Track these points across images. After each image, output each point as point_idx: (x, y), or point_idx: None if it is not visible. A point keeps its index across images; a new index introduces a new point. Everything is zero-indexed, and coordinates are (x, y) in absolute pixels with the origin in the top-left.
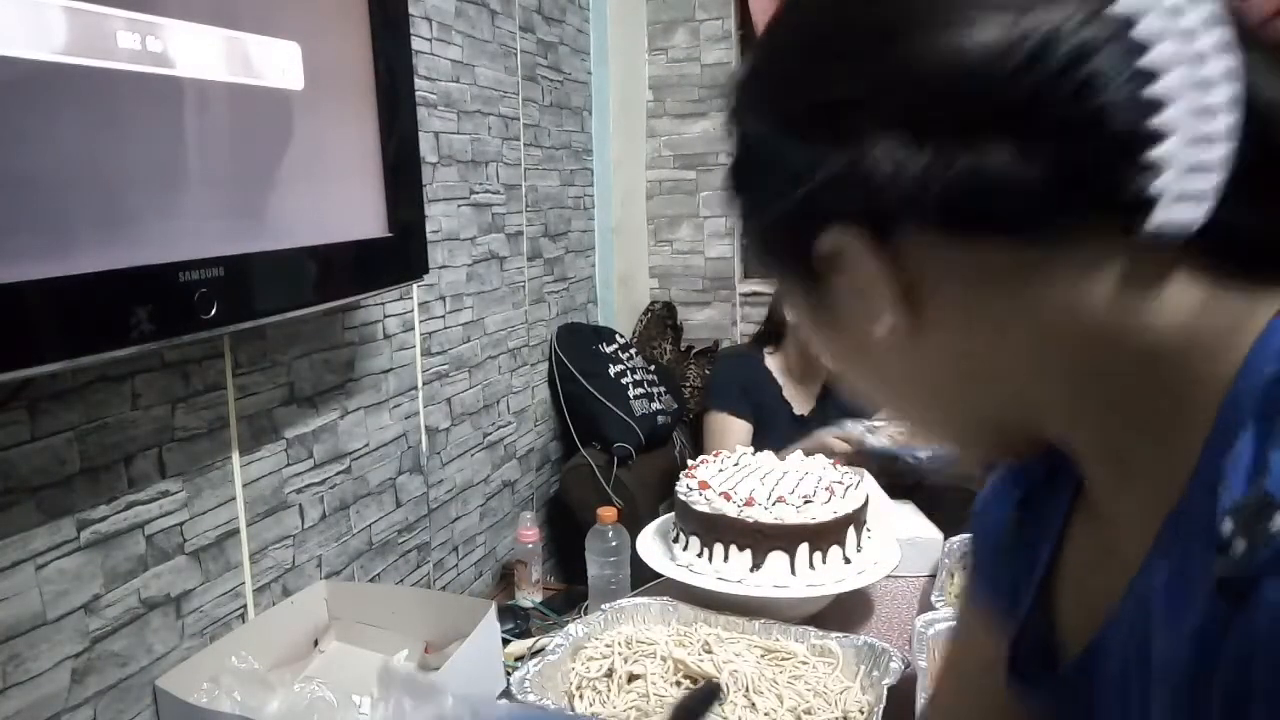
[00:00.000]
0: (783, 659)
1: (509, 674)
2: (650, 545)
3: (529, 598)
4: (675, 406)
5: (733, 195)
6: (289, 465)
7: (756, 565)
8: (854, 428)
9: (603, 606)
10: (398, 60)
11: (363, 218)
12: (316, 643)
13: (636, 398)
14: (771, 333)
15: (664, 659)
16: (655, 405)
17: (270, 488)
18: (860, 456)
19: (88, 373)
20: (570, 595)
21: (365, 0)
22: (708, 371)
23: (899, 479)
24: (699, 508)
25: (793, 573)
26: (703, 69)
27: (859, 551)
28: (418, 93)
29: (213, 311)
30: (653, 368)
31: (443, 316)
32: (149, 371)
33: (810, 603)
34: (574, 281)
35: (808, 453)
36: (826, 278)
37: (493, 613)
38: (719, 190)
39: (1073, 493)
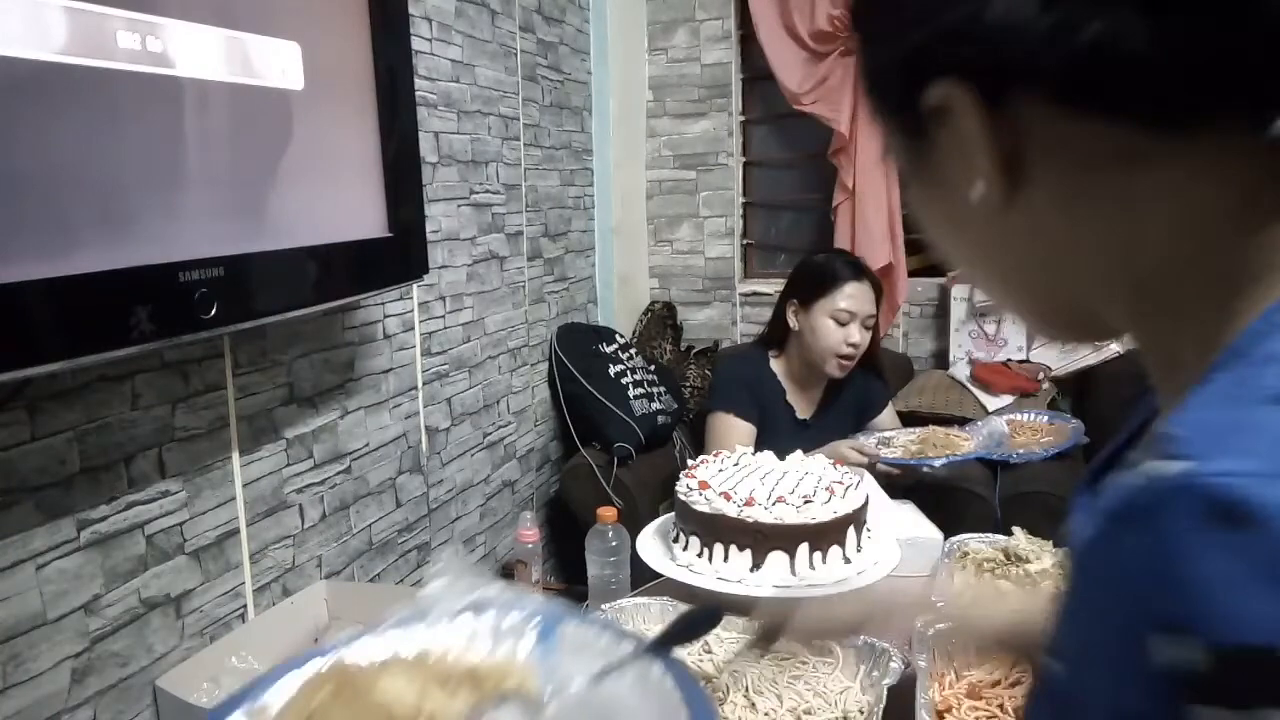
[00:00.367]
0: (782, 659)
1: None
2: (650, 545)
3: None
4: (675, 406)
5: (854, 25)
6: (289, 465)
7: (756, 565)
8: (867, 440)
9: (603, 606)
10: (398, 60)
11: (363, 218)
12: (316, 642)
13: (636, 398)
14: (775, 337)
15: None
16: (655, 405)
17: (270, 488)
18: (873, 469)
19: (88, 373)
20: (570, 595)
21: (365, 0)
22: (708, 371)
23: (899, 479)
24: (699, 508)
25: (793, 573)
26: (703, 69)
27: (859, 551)
28: (418, 93)
29: (213, 311)
30: (653, 368)
31: (443, 316)
32: (149, 371)
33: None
34: (574, 281)
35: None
36: (930, 131)
37: None
38: (718, 190)
39: None
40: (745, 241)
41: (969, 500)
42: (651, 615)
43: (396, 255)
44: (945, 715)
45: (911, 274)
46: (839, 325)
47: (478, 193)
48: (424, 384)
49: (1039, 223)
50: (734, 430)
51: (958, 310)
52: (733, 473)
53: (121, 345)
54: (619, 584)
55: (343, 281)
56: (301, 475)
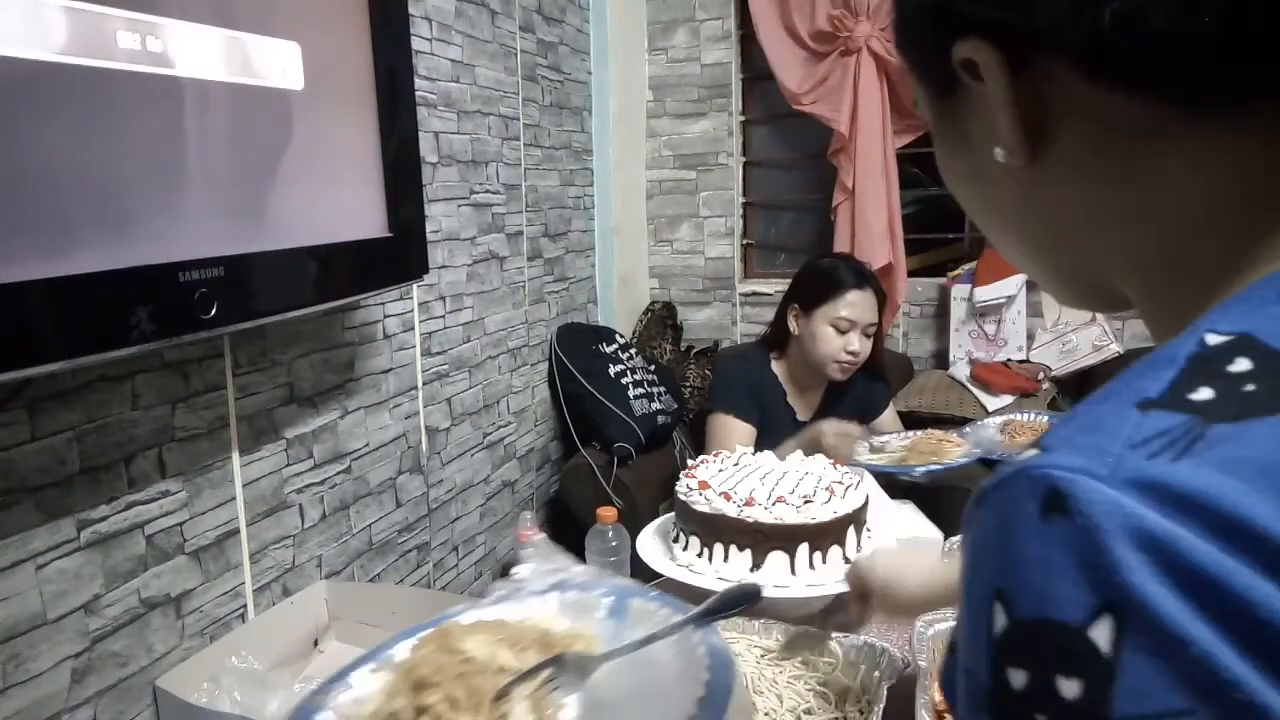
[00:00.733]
0: (782, 659)
1: None
2: (650, 545)
3: None
4: (675, 406)
5: None
6: (289, 465)
7: (756, 565)
8: (850, 427)
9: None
10: (398, 60)
11: (363, 218)
12: (316, 643)
13: (636, 398)
14: (776, 339)
15: None
16: (655, 405)
17: (270, 488)
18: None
19: (88, 373)
20: None
21: (365, 0)
22: (708, 372)
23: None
24: (699, 508)
25: (793, 573)
26: (703, 69)
27: (859, 551)
28: (418, 93)
29: (213, 311)
30: (653, 368)
31: (443, 316)
32: (149, 371)
33: (810, 603)
34: (574, 281)
35: (806, 450)
36: (957, 88)
37: None
38: (718, 190)
39: None
40: (745, 241)
41: (969, 500)
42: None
43: (396, 255)
44: (945, 715)
45: (911, 274)
46: (839, 333)
47: (478, 193)
48: (424, 384)
49: (1059, 188)
50: (734, 431)
51: (958, 310)
52: (733, 473)
53: (121, 345)
54: None
55: (343, 281)
56: (301, 475)
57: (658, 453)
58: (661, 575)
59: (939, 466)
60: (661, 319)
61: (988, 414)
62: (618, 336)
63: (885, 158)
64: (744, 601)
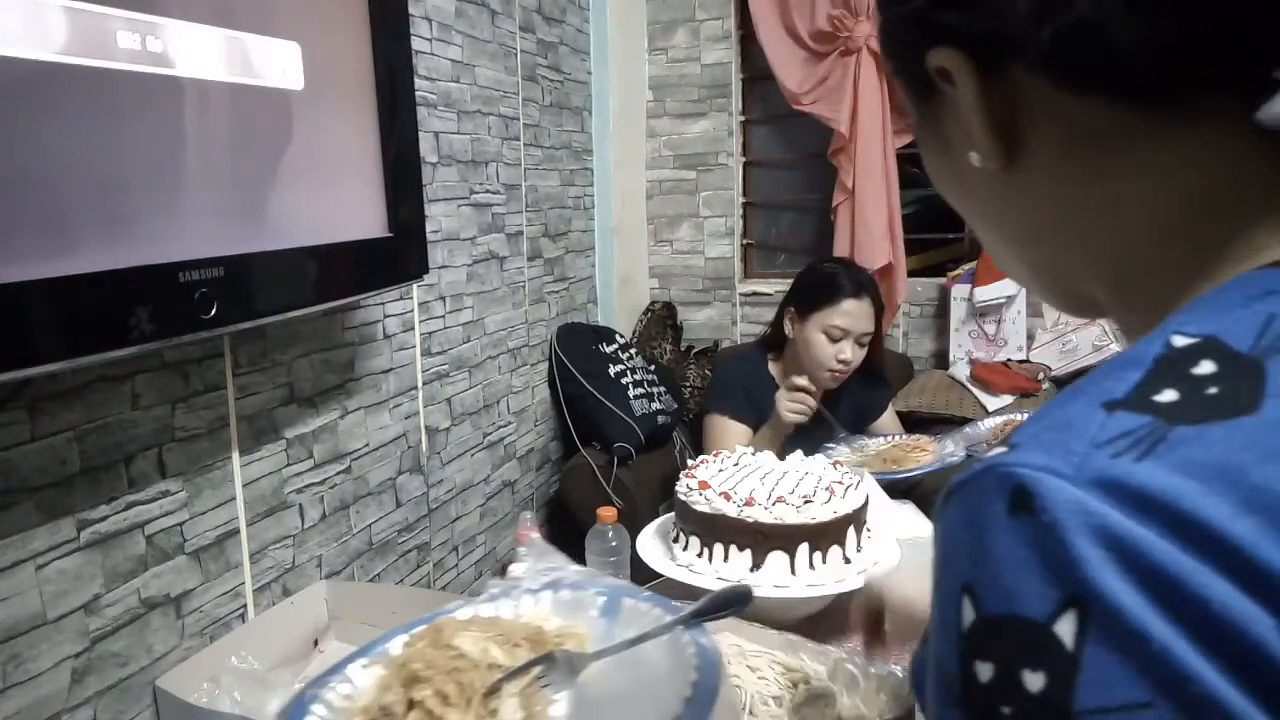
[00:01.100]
0: (794, 684)
1: None
2: (650, 545)
3: None
4: (675, 406)
5: None
6: (289, 465)
7: (756, 565)
8: (800, 380)
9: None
10: (398, 60)
11: (363, 218)
12: (316, 643)
13: (636, 398)
14: (774, 340)
15: None
16: (655, 405)
17: (270, 488)
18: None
19: (88, 373)
20: None
21: (365, 0)
22: (708, 372)
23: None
24: (699, 508)
25: (793, 573)
26: (703, 69)
27: (859, 551)
28: (418, 93)
29: (213, 311)
30: (653, 368)
31: (443, 316)
32: (149, 371)
33: (810, 603)
34: (574, 281)
35: (775, 430)
36: (935, 94)
37: None
38: (718, 190)
39: None
40: (745, 241)
41: (940, 496)
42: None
43: (396, 255)
44: None
45: (911, 274)
46: (831, 341)
47: (478, 193)
48: (424, 384)
49: (1033, 191)
50: (731, 432)
51: (958, 310)
52: (733, 473)
53: (121, 345)
54: None
55: (343, 281)
56: (301, 475)
57: (658, 453)
58: (661, 575)
59: (899, 474)
60: (661, 319)
61: (988, 414)
62: (618, 336)
63: (885, 158)
64: (735, 603)
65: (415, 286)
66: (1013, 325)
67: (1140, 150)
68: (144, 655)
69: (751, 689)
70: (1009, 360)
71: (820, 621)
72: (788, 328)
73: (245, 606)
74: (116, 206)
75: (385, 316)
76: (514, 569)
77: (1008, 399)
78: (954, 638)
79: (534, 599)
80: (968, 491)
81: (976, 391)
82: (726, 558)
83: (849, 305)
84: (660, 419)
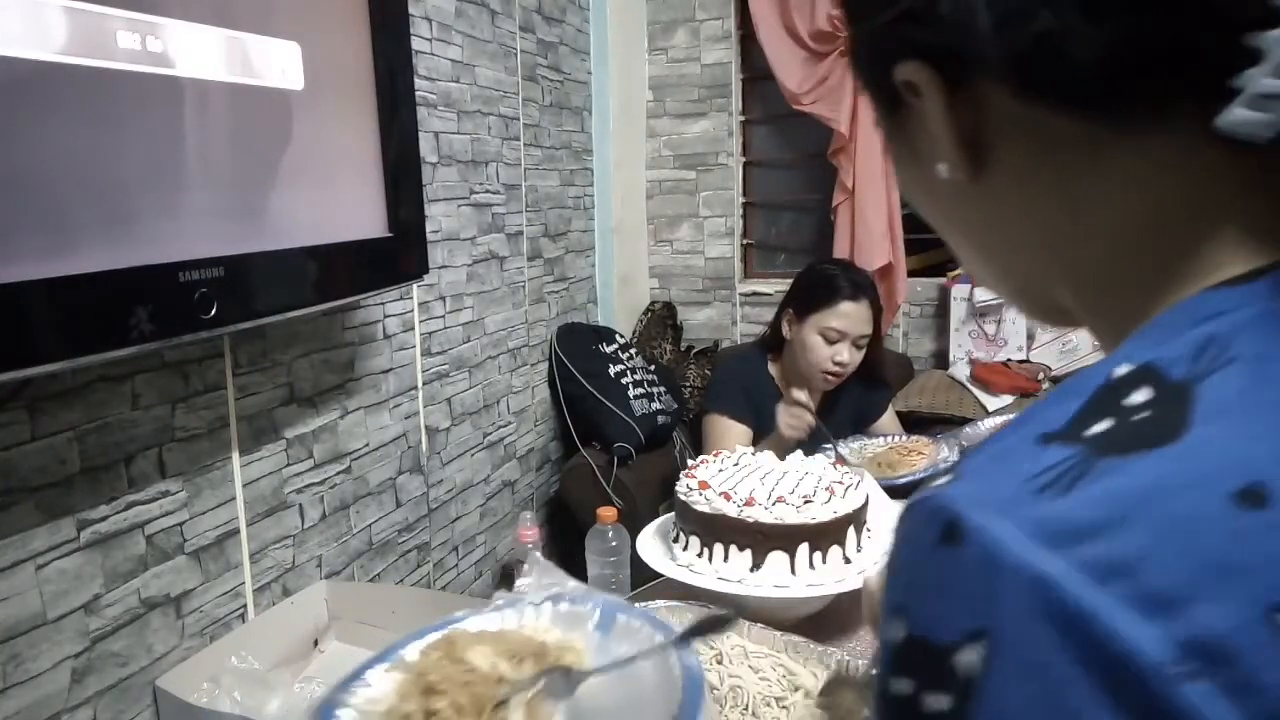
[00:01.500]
0: (795, 687)
1: None
2: (650, 545)
3: None
4: (675, 406)
5: (841, 3)
6: (289, 465)
7: (756, 565)
8: (800, 394)
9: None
10: (398, 60)
11: (363, 218)
12: (316, 643)
13: (636, 398)
14: (773, 341)
15: None
16: (655, 405)
17: (270, 488)
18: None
19: (88, 373)
20: None
21: (365, 0)
22: (708, 371)
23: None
24: (699, 508)
25: (793, 573)
26: (703, 69)
27: (859, 551)
28: (418, 93)
29: (213, 311)
30: (653, 368)
31: (443, 316)
32: (149, 371)
33: (810, 603)
34: (574, 281)
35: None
36: (903, 108)
37: None
38: (718, 190)
39: None
40: (745, 241)
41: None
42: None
43: (396, 255)
44: None
45: (911, 274)
46: (827, 343)
47: (478, 193)
48: (424, 384)
49: (1000, 203)
50: (730, 432)
51: (958, 310)
52: (733, 473)
53: (121, 345)
54: (619, 584)
55: (343, 281)
56: (301, 475)
57: (658, 453)
58: (661, 575)
59: (884, 482)
60: (661, 319)
61: (988, 414)
62: (618, 336)
63: (885, 158)
64: (719, 627)
65: (415, 286)
66: (1013, 325)
67: (1103, 161)
68: (144, 655)
69: (753, 690)
70: (1009, 360)
71: (821, 621)
72: (785, 329)
73: (245, 606)
74: (116, 206)
75: (385, 316)
76: (519, 583)
77: (1008, 399)
78: (886, 653)
79: (535, 611)
80: (914, 514)
81: (976, 391)
82: (726, 558)
83: (846, 307)
84: (660, 419)
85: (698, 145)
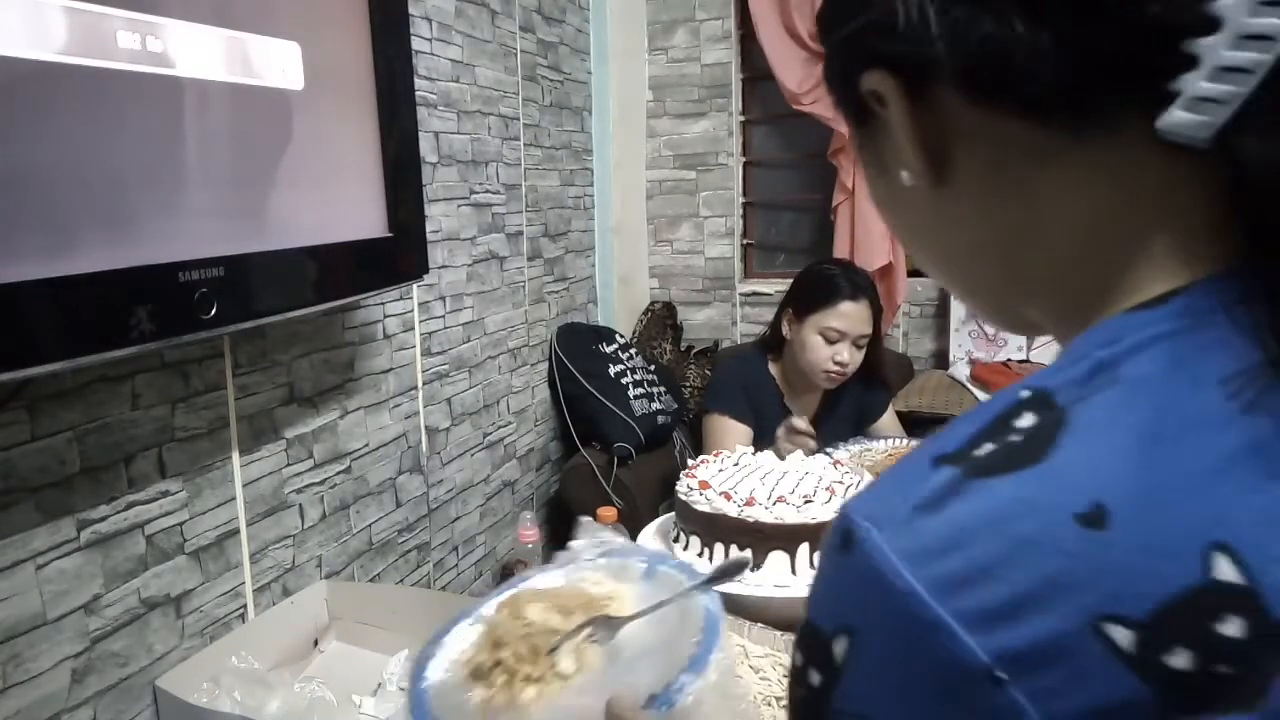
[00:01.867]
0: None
1: None
2: (650, 545)
3: None
4: (675, 406)
5: (816, 18)
6: (289, 465)
7: (757, 565)
8: (800, 423)
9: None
10: (398, 60)
11: (363, 218)
12: (316, 643)
13: (636, 398)
14: (773, 341)
15: None
16: (655, 405)
17: (270, 488)
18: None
19: (88, 373)
20: None
21: (365, 0)
22: (708, 372)
23: None
24: (699, 507)
25: (793, 573)
26: (703, 69)
27: None
28: (418, 93)
29: (213, 311)
30: (653, 368)
31: (443, 316)
32: (149, 371)
33: None
34: (574, 281)
35: (778, 453)
36: (871, 117)
37: None
38: (718, 190)
39: None
40: (745, 241)
41: None
42: None
43: (396, 255)
44: None
45: (911, 274)
46: (827, 342)
47: (478, 193)
48: (424, 384)
49: (961, 210)
50: (730, 432)
51: (958, 310)
52: (733, 473)
53: (121, 345)
54: None
55: (343, 281)
56: (301, 475)
57: (658, 453)
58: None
59: None
60: (661, 319)
61: None
62: (618, 336)
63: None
64: (738, 570)
65: (415, 286)
66: None
67: (1053, 167)
68: (144, 655)
69: (753, 690)
70: (1009, 360)
71: None
72: (785, 329)
73: (245, 606)
74: (116, 206)
75: (385, 316)
76: (573, 543)
77: None
78: (799, 628)
79: (591, 567)
80: (836, 517)
81: (976, 391)
82: (727, 557)
83: (846, 307)
84: (660, 419)
85: (698, 145)
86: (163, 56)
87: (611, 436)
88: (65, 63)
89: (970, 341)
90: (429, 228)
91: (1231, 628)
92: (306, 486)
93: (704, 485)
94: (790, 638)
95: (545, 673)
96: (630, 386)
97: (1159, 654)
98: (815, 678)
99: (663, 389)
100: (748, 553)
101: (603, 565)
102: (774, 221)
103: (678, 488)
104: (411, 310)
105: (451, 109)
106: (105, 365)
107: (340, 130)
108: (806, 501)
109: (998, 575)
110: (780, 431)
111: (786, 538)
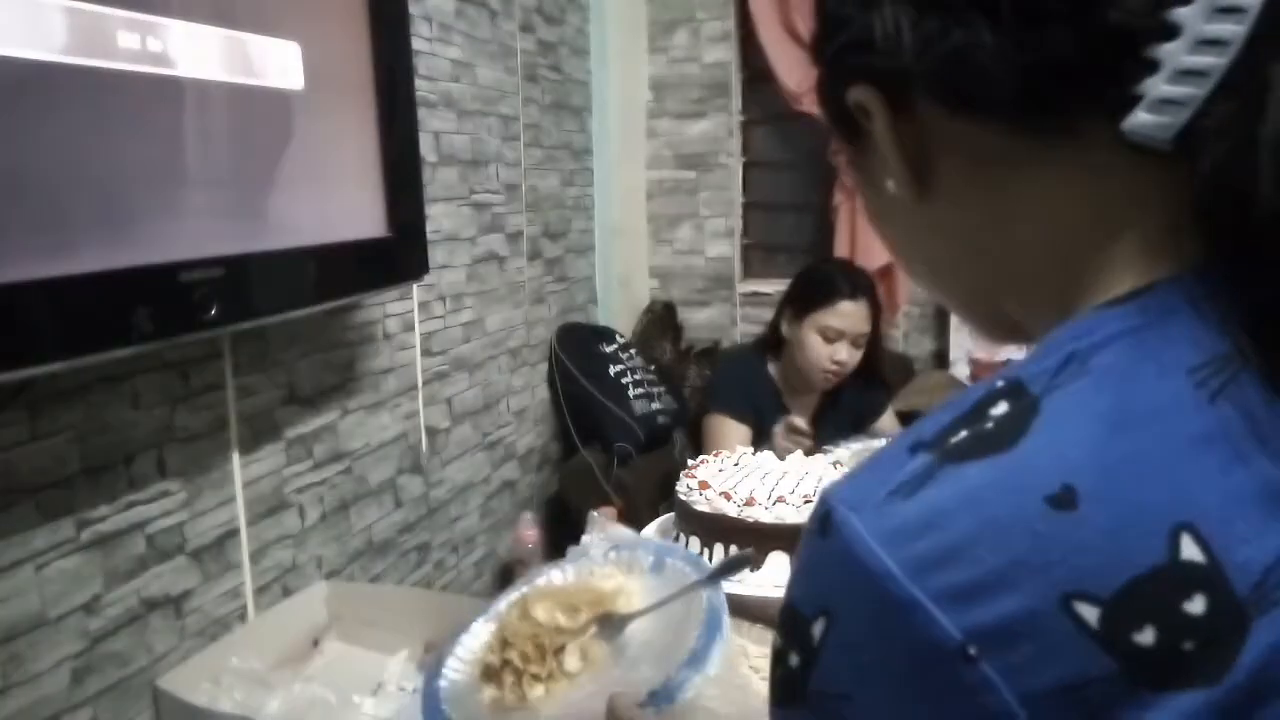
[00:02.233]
0: None
1: None
2: None
3: None
4: (675, 406)
5: (812, 36)
6: (289, 465)
7: (757, 565)
8: (799, 421)
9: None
10: (398, 60)
11: (363, 218)
12: (316, 643)
13: (636, 398)
14: (772, 341)
15: None
16: (655, 405)
17: (270, 488)
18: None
19: (88, 373)
20: None
21: (365, 0)
22: (708, 372)
23: None
24: (699, 508)
25: None
26: (703, 69)
27: None
28: (418, 93)
29: (213, 311)
30: (653, 368)
31: (443, 316)
32: (149, 371)
33: None
34: (574, 281)
35: (778, 452)
36: (859, 131)
37: None
38: (718, 190)
39: None
40: (745, 241)
41: None
42: None
43: (396, 255)
44: None
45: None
46: (826, 342)
47: (478, 193)
48: (424, 384)
49: (945, 218)
50: (730, 432)
51: None
52: (733, 473)
53: (121, 345)
54: None
55: (343, 281)
56: (301, 475)
57: (658, 453)
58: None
59: None
60: (661, 319)
61: None
62: (618, 336)
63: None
64: (743, 564)
65: (415, 286)
66: None
67: (1027, 173)
68: (144, 655)
69: (754, 689)
70: (1009, 360)
71: None
72: (784, 328)
73: (245, 606)
74: (116, 206)
75: (385, 316)
76: (584, 539)
77: None
78: (780, 611)
79: (601, 561)
80: (815, 503)
81: None
82: (727, 557)
83: (845, 306)
84: (660, 419)
85: (698, 145)
86: (163, 56)
87: (611, 436)
88: (65, 63)
89: (970, 341)
90: (429, 228)
91: (1197, 605)
92: (306, 486)
93: (704, 485)
94: None
95: (553, 671)
96: (630, 386)
97: (1126, 631)
98: (794, 659)
99: (663, 389)
100: (750, 549)
101: (612, 559)
102: (774, 221)
103: (678, 488)
104: (411, 310)
105: (451, 109)
106: (105, 365)
107: (340, 130)
108: (806, 501)
109: (970, 555)
110: (778, 429)
111: (786, 538)
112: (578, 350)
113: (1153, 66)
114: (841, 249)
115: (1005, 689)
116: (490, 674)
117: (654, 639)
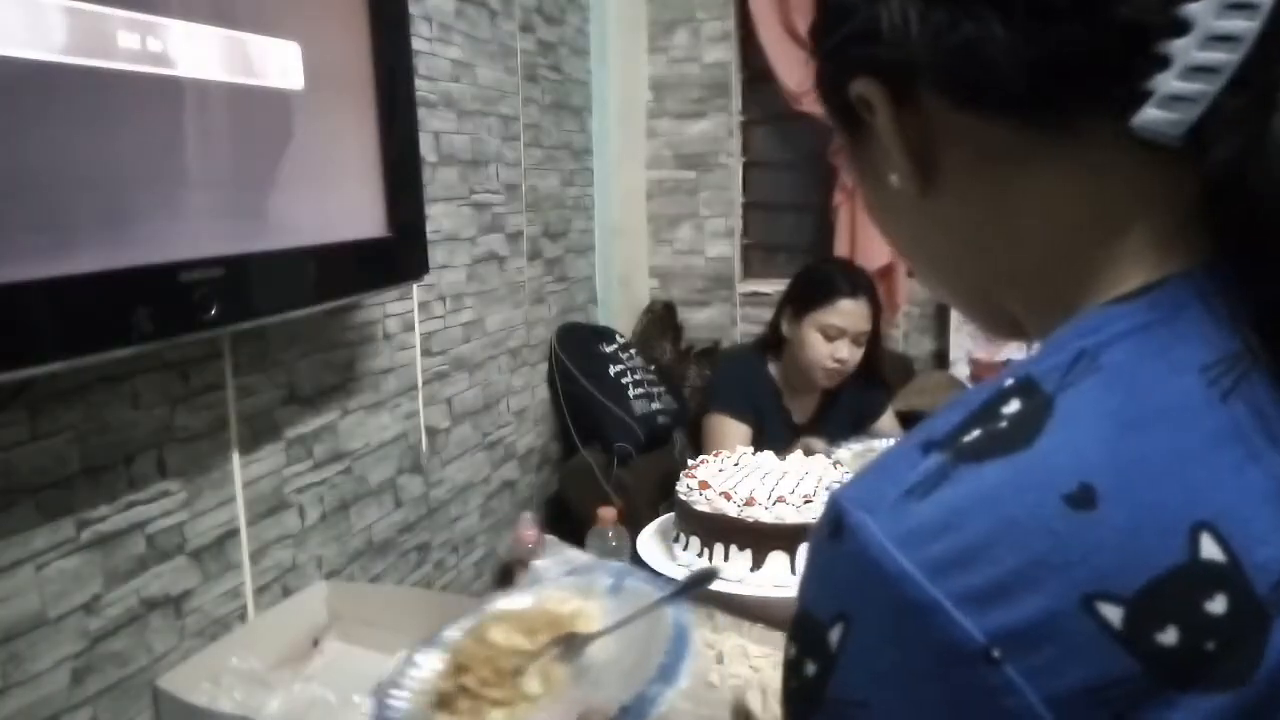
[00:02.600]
0: None
1: None
2: (650, 545)
3: None
4: (675, 406)
5: (809, 29)
6: (289, 465)
7: (756, 565)
8: (818, 444)
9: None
10: (398, 60)
11: (363, 218)
12: (316, 643)
13: (636, 398)
14: (772, 341)
15: None
16: (655, 405)
17: (270, 488)
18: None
19: (88, 373)
20: None
21: (365, 0)
22: (708, 372)
23: None
24: (699, 508)
25: (793, 573)
26: (703, 69)
27: None
28: (418, 93)
29: (213, 311)
30: (653, 368)
31: (443, 316)
32: (149, 371)
33: None
34: (574, 281)
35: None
36: (861, 124)
37: None
38: (718, 190)
39: None
40: (745, 241)
41: None
42: None
43: (396, 255)
44: None
45: (911, 273)
46: (826, 340)
47: (478, 193)
48: (424, 384)
49: (947, 214)
50: (730, 431)
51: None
52: (733, 473)
53: (121, 345)
54: None
55: (343, 281)
56: (301, 475)
57: (658, 453)
58: (661, 575)
59: None
60: (661, 319)
61: None
62: (618, 336)
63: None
64: (704, 582)
65: (415, 286)
66: None
67: (1034, 168)
68: (144, 655)
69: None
70: (1009, 360)
71: None
72: (784, 328)
73: (245, 606)
74: (116, 206)
75: (385, 316)
76: (535, 564)
77: None
78: (792, 621)
79: (556, 586)
80: (824, 507)
81: None
82: (727, 557)
83: (845, 305)
84: (660, 419)
85: (698, 145)
86: (163, 56)
87: (611, 436)
88: (65, 63)
89: (970, 341)
90: (429, 228)
91: (1218, 605)
92: (306, 486)
93: (704, 485)
94: None
95: (512, 695)
96: (630, 386)
97: (1149, 631)
98: (811, 668)
99: (663, 389)
100: (717, 562)
101: (568, 583)
102: (774, 221)
103: (678, 488)
104: (411, 310)
105: (451, 109)
106: (105, 365)
107: (340, 130)
108: (806, 501)
109: (989, 556)
110: (797, 452)
111: (786, 538)
112: (578, 350)
113: (1163, 62)
114: (841, 249)
115: (1030, 691)
116: (444, 701)
117: (618, 658)
